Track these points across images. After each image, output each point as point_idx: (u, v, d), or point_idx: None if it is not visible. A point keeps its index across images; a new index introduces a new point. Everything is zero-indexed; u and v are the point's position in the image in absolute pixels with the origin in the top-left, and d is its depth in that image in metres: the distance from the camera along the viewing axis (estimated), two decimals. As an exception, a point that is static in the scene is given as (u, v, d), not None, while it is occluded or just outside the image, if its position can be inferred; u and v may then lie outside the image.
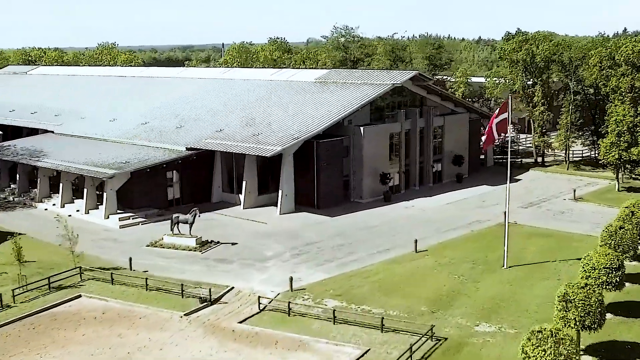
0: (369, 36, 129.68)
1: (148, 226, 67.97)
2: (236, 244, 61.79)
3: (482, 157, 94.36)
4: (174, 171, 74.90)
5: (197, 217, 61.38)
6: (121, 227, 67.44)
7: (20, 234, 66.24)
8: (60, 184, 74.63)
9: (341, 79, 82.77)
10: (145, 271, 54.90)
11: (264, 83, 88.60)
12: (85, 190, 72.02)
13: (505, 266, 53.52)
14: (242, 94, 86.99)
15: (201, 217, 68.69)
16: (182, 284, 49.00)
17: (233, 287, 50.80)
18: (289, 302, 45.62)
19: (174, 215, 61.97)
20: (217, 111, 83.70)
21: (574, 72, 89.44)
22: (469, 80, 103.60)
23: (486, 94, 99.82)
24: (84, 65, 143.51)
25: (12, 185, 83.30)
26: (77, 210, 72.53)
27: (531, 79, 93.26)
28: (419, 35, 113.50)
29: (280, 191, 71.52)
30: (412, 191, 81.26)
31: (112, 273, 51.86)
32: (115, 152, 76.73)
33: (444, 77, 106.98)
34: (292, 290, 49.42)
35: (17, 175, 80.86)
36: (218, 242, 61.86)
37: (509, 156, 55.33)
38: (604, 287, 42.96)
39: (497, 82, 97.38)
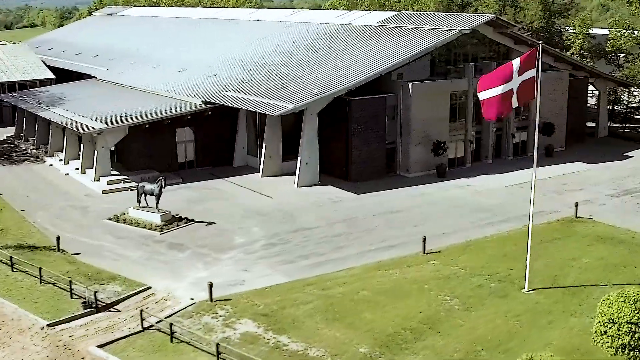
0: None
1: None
2: (213, 223, 49.82)
3: (590, 124, 75.68)
4: (188, 128, 63.62)
5: (163, 188, 49.91)
6: (104, 192, 57.38)
7: (-5, 194, 58.31)
8: (64, 138, 65.66)
9: (407, 22, 67.28)
10: (76, 254, 44.43)
11: (322, 27, 74.72)
12: (82, 146, 62.50)
13: (525, 288, 37.78)
14: (293, 39, 73.76)
15: (206, 184, 58.27)
16: (70, 281, 37.70)
17: (150, 287, 39.05)
18: (171, 325, 33.03)
19: (140, 184, 50.85)
20: (257, 59, 71.20)
21: None
22: (590, 32, 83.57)
23: (608, 47, 79.71)
24: (193, 7, 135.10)
25: (40, 136, 75.81)
26: (77, 169, 63.29)
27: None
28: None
29: (299, 159, 58.38)
30: (482, 165, 65.12)
31: (11, 257, 41.54)
32: (131, 103, 66.63)
33: (562, 27, 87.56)
34: (211, 301, 36.88)
35: (37, 125, 72.93)
36: (192, 221, 50.18)
37: (536, 131, 38.44)
38: (624, 352, 27.09)
39: (622, 32, 77.28)
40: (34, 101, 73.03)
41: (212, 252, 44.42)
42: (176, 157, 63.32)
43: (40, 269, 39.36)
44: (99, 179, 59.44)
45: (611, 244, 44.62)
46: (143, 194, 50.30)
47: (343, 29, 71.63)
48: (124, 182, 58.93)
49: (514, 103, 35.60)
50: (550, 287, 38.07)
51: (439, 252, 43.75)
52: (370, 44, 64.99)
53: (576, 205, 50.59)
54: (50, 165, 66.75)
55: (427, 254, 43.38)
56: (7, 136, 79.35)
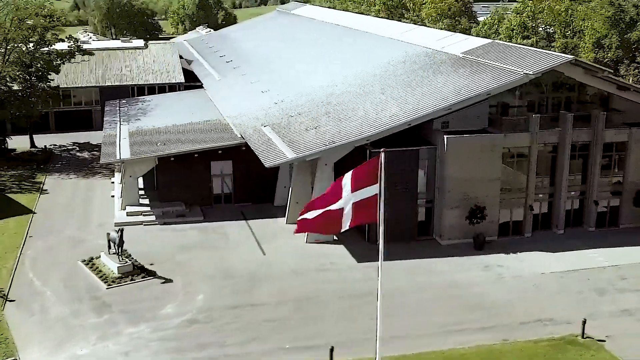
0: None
1: (150, 229, 55.69)
2: (170, 281, 46.54)
3: None
4: (226, 161, 60.34)
5: (123, 238, 47.48)
6: (116, 224, 56.14)
7: (31, 212, 59.94)
8: (121, 158, 65.75)
9: (487, 57, 57.42)
10: (11, 301, 43.93)
11: (410, 51, 66.50)
12: (122, 171, 62.06)
13: None
14: (376, 66, 66.59)
15: (220, 226, 55.95)
16: None
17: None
18: None
19: (107, 231, 48.97)
20: (325, 86, 64.97)
21: None
22: None
23: None
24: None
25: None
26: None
27: None
28: None
29: (310, 212, 52.54)
30: (547, 236, 53.98)
31: None
32: (185, 126, 64.91)
33: None
34: (33, 396, 33.93)
35: (121, 138, 74.09)
36: (152, 275, 47.29)
37: (380, 222, 28.83)
38: None
39: None
40: (121, 112, 74.07)
41: (125, 322, 41.28)
42: (211, 190, 60.50)
43: None
44: (124, 208, 58.60)
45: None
46: (110, 241, 48.32)
47: (424, 58, 63.11)
48: (143, 215, 57.47)
49: (344, 225, 27.88)
50: None
51: (362, 366, 36.53)
52: (430, 82, 56.55)
53: (584, 322, 39.61)
54: (113, 182, 67.34)
55: (343, 366, 36.46)
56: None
